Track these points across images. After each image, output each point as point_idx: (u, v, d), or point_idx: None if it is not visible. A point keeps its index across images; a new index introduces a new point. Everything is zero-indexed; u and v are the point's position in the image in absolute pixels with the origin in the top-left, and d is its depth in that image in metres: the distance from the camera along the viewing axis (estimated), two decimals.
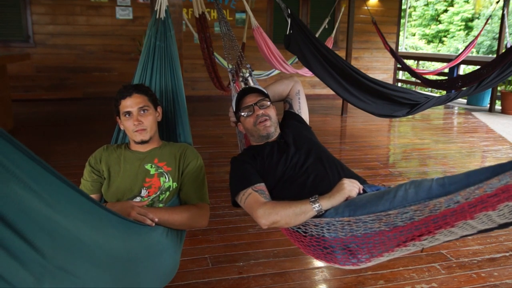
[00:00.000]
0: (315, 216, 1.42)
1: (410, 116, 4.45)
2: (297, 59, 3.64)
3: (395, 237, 1.25)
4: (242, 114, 1.82)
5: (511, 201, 1.00)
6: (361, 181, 1.61)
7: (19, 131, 5.23)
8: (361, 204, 1.36)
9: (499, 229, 1.16)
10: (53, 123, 6.03)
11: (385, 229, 1.25)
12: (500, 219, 1.08)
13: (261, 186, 1.59)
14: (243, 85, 2.25)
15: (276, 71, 5.71)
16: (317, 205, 1.40)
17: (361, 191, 1.47)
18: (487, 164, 1.18)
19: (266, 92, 1.88)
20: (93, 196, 1.69)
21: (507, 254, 2.58)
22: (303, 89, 2.07)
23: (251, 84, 2.21)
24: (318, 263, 2.39)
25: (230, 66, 2.33)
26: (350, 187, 1.44)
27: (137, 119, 1.65)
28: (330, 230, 1.37)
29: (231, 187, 1.65)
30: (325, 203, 1.41)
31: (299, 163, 1.66)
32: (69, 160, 4.11)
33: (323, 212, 1.41)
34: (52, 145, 4.76)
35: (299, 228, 1.46)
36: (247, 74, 2.25)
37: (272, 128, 1.79)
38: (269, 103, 1.83)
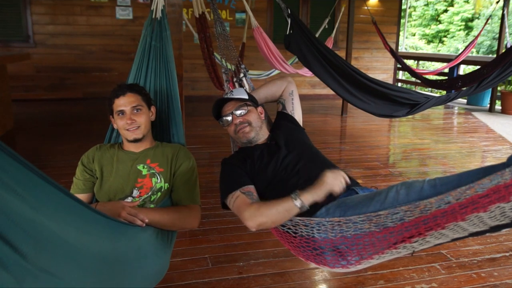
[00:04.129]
0: (306, 216, 1.40)
1: (410, 116, 4.45)
2: (297, 59, 3.64)
3: (385, 239, 1.23)
4: (222, 123, 1.83)
5: (502, 202, 0.97)
6: (353, 183, 1.58)
7: (19, 131, 5.22)
8: (352, 205, 1.35)
9: (490, 232, 1.12)
10: (53, 123, 6.03)
11: (375, 230, 1.23)
12: (492, 221, 1.05)
13: (250, 188, 1.58)
14: (237, 86, 2.24)
15: (276, 71, 5.70)
16: (298, 201, 1.37)
17: (347, 181, 1.43)
18: (487, 164, 1.17)
19: (244, 97, 1.82)
20: (84, 195, 1.69)
21: (507, 254, 2.58)
22: (296, 89, 2.04)
23: (246, 84, 2.20)
24: None
25: (225, 67, 2.33)
26: (332, 181, 1.39)
27: (130, 118, 1.65)
28: (320, 231, 1.35)
29: (221, 190, 1.65)
30: (306, 197, 1.38)
31: (290, 165, 1.64)
32: (69, 160, 4.10)
33: (307, 207, 1.38)
34: (52, 145, 4.76)
35: (289, 228, 1.44)
36: (242, 75, 2.24)
37: (252, 133, 1.77)
38: (247, 108, 1.79)
